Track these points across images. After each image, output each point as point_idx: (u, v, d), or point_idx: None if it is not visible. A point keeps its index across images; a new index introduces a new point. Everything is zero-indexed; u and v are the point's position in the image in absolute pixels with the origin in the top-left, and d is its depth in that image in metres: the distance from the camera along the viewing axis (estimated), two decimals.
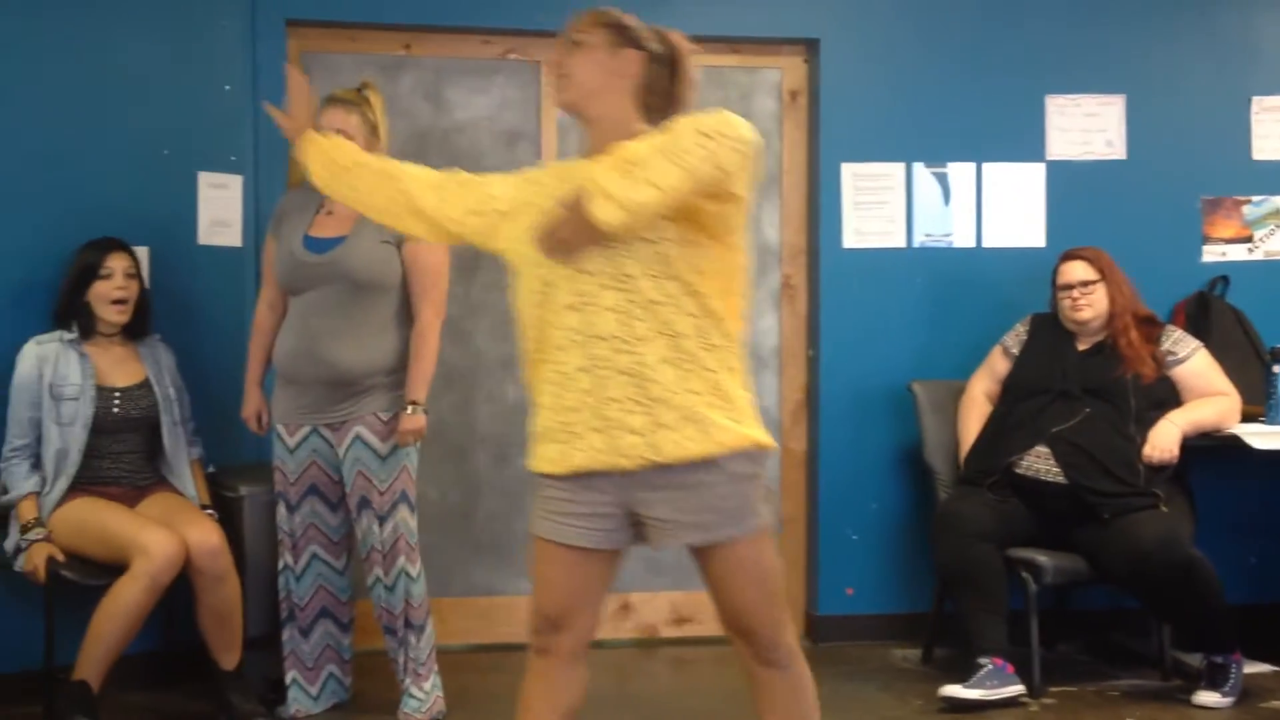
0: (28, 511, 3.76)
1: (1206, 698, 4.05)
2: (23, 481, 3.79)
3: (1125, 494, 4.09)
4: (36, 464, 3.82)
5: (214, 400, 4.19)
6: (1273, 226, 5.00)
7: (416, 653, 3.83)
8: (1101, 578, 4.17)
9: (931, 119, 4.85)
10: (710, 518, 2.47)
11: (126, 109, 4.19)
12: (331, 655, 3.93)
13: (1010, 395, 4.40)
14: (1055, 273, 4.42)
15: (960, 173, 4.89)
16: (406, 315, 3.81)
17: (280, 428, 3.86)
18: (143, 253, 4.08)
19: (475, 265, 4.62)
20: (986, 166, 4.90)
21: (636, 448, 2.43)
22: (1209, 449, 4.31)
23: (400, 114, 4.55)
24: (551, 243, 2.43)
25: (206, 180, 4.36)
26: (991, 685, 4.00)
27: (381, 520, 3.77)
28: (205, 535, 3.77)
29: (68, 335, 3.88)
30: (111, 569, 3.69)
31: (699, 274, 2.45)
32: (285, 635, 3.89)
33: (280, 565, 3.89)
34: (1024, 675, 4.07)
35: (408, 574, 3.81)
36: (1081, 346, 4.36)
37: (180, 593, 3.79)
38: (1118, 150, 4.94)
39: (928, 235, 4.88)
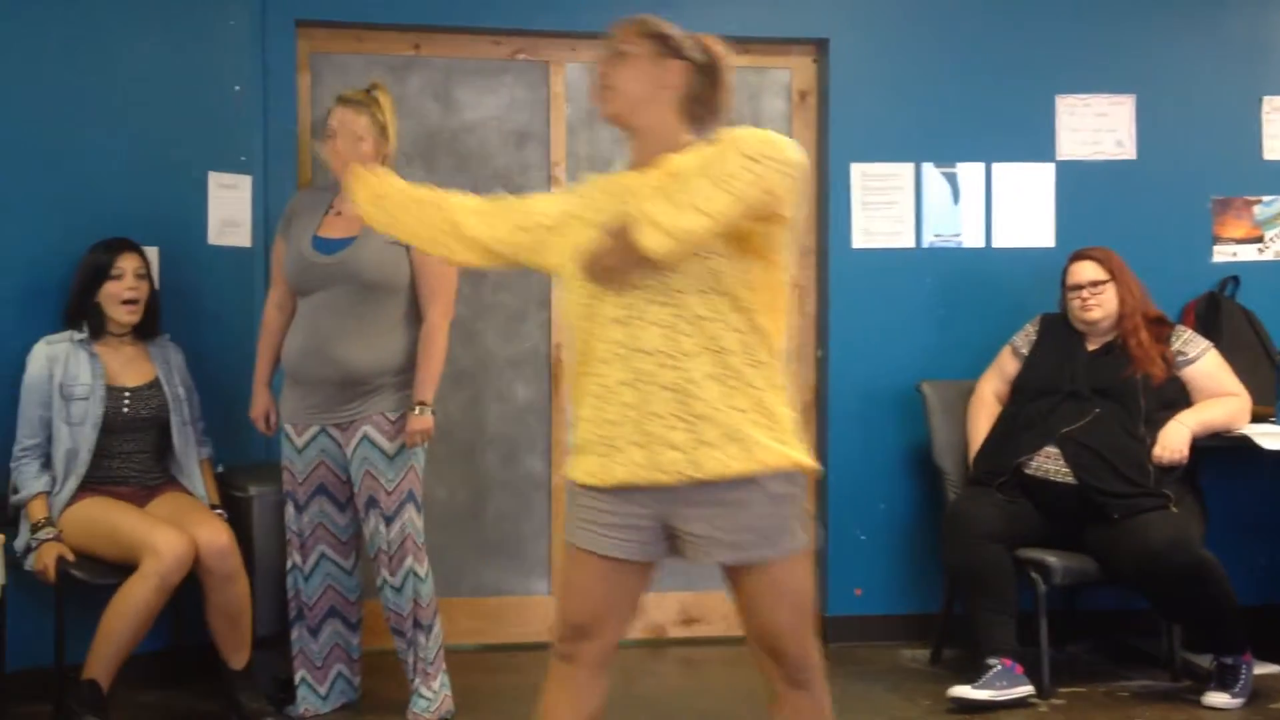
0: (38, 511, 3.78)
1: (1216, 699, 4.04)
2: (33, 481, 3.80)
3: (1135, 494, 4.08)
4: (47, 463, 3.83)
5: (223, 400, 4.20)
6: None
7: (425, 652, 3.83)
8: (1111, 578, 4.16)
9: (941, 119, 4.84)
10: (747, 537, 2.46)
11: (137, 109, 4.20)
12: (340, 655, 3.94)
13: (1020, 396, 4.40)
14: (1065, 273, 4.41)
15: (970, 173, 4.88)
16: (415, 316, 3.82)
17: (289, 427, 3.87)
18: (153, 253, 4.08)
19: None
20: (996, 166, 4.89)
21: (676, 464, 2.41)
22: (1219, 449, 4.31)
23: (409, 114, 4.55)
24: (597, 270, 2.42)
25: (216, 180, 4.37)
26: (1001, 686, 3.99)
27: (388, 520, 3.78)
28: (214, 535, 3.78)
29: (78, 335, 3.89)
30: (121, 568, 3.70)
31: (750, 289, 2.44)
32: (294, 635, 3.90)
33: (289, 565, 3.90)
34: (1033, 676, 4.06)
35: (416, 574, 3.81)
36: (1091, 347, 4.36)
37: (189, 592, 3.80)
38: (1128, 150, 4.93)
39: (937, 235, 4.88)
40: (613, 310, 2.44)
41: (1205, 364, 4.30)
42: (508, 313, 4.76)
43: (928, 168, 4.86)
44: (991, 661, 4.02)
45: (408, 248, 3.74)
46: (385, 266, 3.75)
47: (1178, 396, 4.26)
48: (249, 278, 4.42)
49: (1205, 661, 4.19)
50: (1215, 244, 4.97)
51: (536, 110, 4.77)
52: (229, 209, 4.40)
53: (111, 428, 3.86)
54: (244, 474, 4.12)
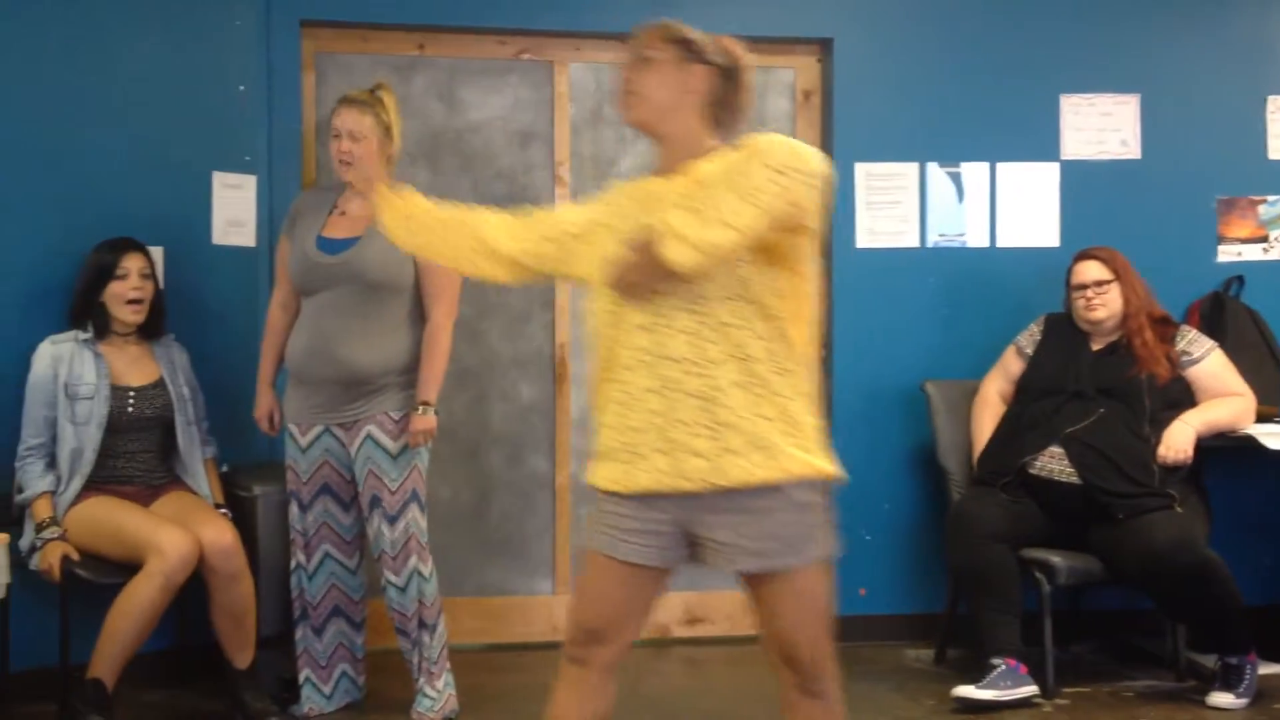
0: (43, 510, 3.78)
1: (1221, 699, 4.04)
2: (38, 480, 3.81)
3: (1139, 495, 4.08)
4: (51, 463, 3.84)
5: (228, 399, 4.20)
6: None
7: (429, 652, 3.83)
8: (1115, 578, 4.16)
9: (945, 118, 4.84)
10: (771, 545, 2.44)
11: (141, 109, 4.21)
12: (344, 654, 3.94)
13: (1024, 395, 4.39)
14: (1069, 273, 4.41)
15: (974, 172, 4.88)
16: (419, 316, 3.82)
17: (293, 427, 3.87)
18: (157, 253, 4.09)
19: None
20: (1000, 166, 4.89)
21: (700, 471, 2.41)
22: (1224, 449, 4.30)
23: (414, 114, 4.56)
24: (622, 285, 2.42)
25: (221, 180, 4.38)
26: (1005, 686, 3.99)
27: (392, 520, 3.78)
28: (219, 534, 3.79)
29: (83, 335, 3.89)
30: (126, 568, 3.71)
31: (777, 297, 2.44)
32: (298, 634, 3.90)
33: (293, 564, 3.90)
34: (1037, 676, 4.06)
35: (419, 574, 3.81)
36: (1096, 347, 4.35)
37: (194, 592, 3.80)
38: (1132, 150, 4.93)
39: (941, 235, 4.87)
40: (639, 317, 2.44)
41: (1210, 364, 4.29)
42: (512, 313, 4.77)
43: (932, 167, 4.86)
44: (996, 661, 4.02)
45: None
46: (389, 266, 3.75)
47: (1182, 396, 4.25)
48: (253, 278, 4.42)
49: (1210, 662, 4.19)
50: (1220, 244, 4.96)
51: (541, 110, 4.77)
52: (233, 209, 4.40)
53: (116, 427, 3.86)
54: (248, 474, 4.12)
